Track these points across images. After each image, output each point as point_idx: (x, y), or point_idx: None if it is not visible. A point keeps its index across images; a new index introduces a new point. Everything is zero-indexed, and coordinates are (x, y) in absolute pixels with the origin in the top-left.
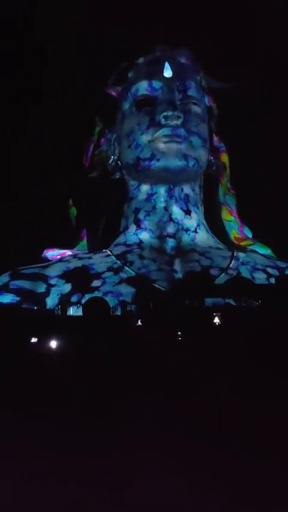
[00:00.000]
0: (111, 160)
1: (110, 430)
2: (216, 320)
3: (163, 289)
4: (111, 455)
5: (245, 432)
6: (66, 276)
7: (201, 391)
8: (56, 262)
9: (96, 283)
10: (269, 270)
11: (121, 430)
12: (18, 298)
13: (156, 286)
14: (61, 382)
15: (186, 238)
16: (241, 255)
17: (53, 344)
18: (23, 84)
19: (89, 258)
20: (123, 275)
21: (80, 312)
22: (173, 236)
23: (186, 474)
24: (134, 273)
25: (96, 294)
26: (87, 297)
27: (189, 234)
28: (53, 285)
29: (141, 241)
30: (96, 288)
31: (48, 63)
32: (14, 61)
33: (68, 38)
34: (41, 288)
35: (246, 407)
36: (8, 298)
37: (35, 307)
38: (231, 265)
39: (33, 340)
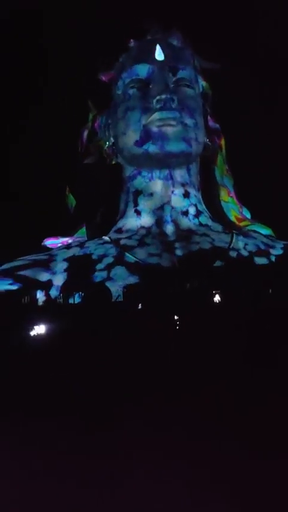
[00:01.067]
0: (106, 145)
1: (109, 430)
2: (217, 298)
3: (164, 272)
4: (110, 455)
5: (245, 432)
6: (68, 264)
7: (201, 387)
8: (57, 250)
9: (98, 271)
10: (271, 250)
11: (120, 430)
12: (18, 285)
13: (157, 270)
14: (60, 379)
15: (185, 221)
16: (241, 237)
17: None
18: (22, 79)
19: (89, 245)
20: (123, 261)
21: (82, 300)
22: (172, 220)
23: (186, 474)
24: (134, 259)
25: (97, 281)
26: (88, 285)
27: (188, 218)
28: (56, 273)
29: (140, 227)
30: (97, 276)
31: (46, 56)
32: (12, 59)
33: (66, 29)
34: (44, 276)
35: (246, 404)
36: (4, 284)
37: (37, 296)
38: (231, 246)
39: (33, 332)
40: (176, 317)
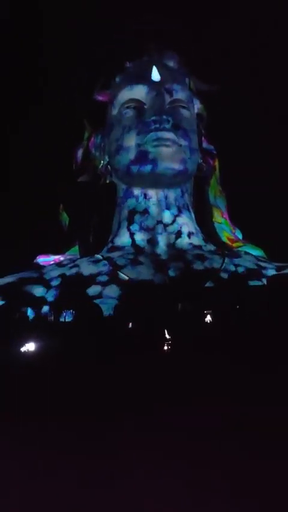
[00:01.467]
0: (101, 164)
1: (109, 431)
2: (208, 318)
3: (156, 291)
4: (110, 455)
5: (245, 432)
6: (60, 281)
7: (200, 392)
8: (49, 267)
9: (89, 288)
10: (263, 271)
11: (120, 431)
12: (6, 302)
13: (149, 289)
14: (58, 388)
15: (178, 241)
16: (233, 258)
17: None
18: (15, 96)
19: (81, 263)
20: (115, 280)
21: (73, 318)
22: (165, 240)
23: (186, 474)
24: (126, 278)
25: (89, 299)
26: (80, 302)
27: (181, 238)
28: (47, 291)
29: (132, 246)
30: (89, 293)
31: (46, 64)
32: (12, 60)
33: (66, 37)
34: (35, 293)
35: (245, 406)
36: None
37: (28, 313)
38: (223, 267)
39: (23, 348)
40: (167, 335)
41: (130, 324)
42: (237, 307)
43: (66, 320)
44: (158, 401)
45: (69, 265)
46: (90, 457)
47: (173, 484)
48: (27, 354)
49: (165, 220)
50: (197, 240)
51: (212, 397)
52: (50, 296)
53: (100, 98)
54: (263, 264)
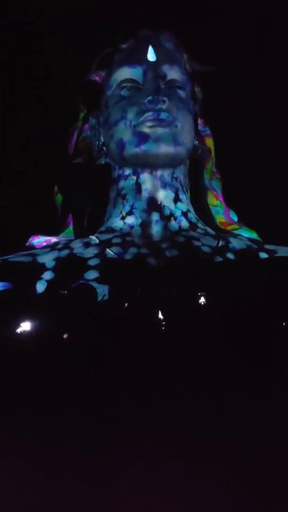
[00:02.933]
0: (95, 146)
1: (108, 431)
2: (202, 300)
3: (151, 273)
4: (110, 455)
5: (245, 432)
6: (57, 263)
7: (199, 387)
8: (46, 249)
9: (84, 271)
10: (258, 253)
11: (120, 429)
12: (9, 286)
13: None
14: (59, 380)
15: (172, 223)
16: (228, 239)
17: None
18: (7, 76)
19: (75, 244)
20: (109, 261)
21: (68, 299)
22: (159, 221)
23: (187, 474)
24: (120, 259)
25: (83, 281)
26: (74, 284)
27: (175, 219)
28: (41, 273)
29: (127, 227)
30: (83, 275)
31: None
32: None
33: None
34: (27, 275)
35: (245, 403)
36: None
37: (23, 294)
38: (218, 247)
39: (19, 329)
40: (163, 317)
41: (125, 308)
42: (232, 291)
43: (61, 301)
44: (157, 391)
45: (62, 247)
46: (89, 457)
47: (173, 483)
48: (21, 336)
49: (159, 201)
50: (192, 222)
51: (212, 390)
52: (44, 277)
53: (95, 79)
54: (254, 246)
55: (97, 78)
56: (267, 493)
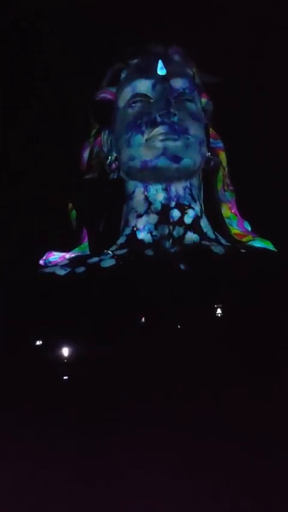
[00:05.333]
0: (108, 161)
1: (108, 431)
2: (219, 311)
3: (166, 286)
4: (110, 455)
5: (246, 432)
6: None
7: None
8: (57, 268)
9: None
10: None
11: (120, 428)
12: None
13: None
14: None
15: (187, 236)
16: (242, 250)
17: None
18: (20, 91)
19: (92, 260)
20: (124, 275)
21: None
22: (173, 235)
23: (187, 474)
24: (134, 273)
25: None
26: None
27: (190, 232)
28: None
29: (141, 242)
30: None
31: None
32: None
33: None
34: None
35: (246, 403)
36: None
37: None
38: (232, 259)
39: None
40: (177, 323)
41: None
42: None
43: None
44: (157, 392)
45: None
46: (89, 457)
47: (173, 482)
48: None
49: (173, 214)
50: (206, 234)
51: (212, 390)
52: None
53: (106, 95)
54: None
55: (108, 95)
56: (267, 493)
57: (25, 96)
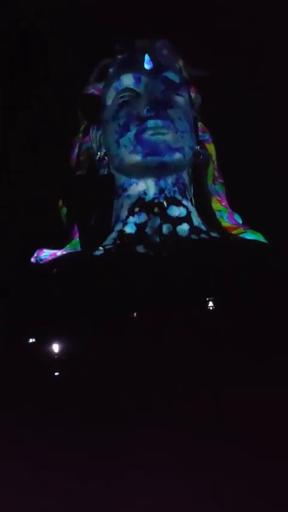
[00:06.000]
0: (97, 156)
1: (109, 431)
2: (211, 304)
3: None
4: (110, 455)
5: (246, 432)
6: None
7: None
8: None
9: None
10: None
11: (121, 428)
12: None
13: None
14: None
15: (177, 229)
16: (233, 242)
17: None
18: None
19: (84, 256)
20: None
21: None
22: (164, 228)
23: (187, 475)
24: (126, 268)
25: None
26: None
27: (181, 226)
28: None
29: (132, 236)
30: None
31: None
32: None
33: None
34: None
35: (247, 403)
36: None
37: None
38: (224, 250)
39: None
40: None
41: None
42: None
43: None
44: (157, 391)
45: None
46: (90, 457)
47: (173, 482)
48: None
49: (164, 208)
50: (197, 227)
51: (213, 389)
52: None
53: (93, 91)
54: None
55: (95, 91)
56: (268, 493)
57: (25, 96)
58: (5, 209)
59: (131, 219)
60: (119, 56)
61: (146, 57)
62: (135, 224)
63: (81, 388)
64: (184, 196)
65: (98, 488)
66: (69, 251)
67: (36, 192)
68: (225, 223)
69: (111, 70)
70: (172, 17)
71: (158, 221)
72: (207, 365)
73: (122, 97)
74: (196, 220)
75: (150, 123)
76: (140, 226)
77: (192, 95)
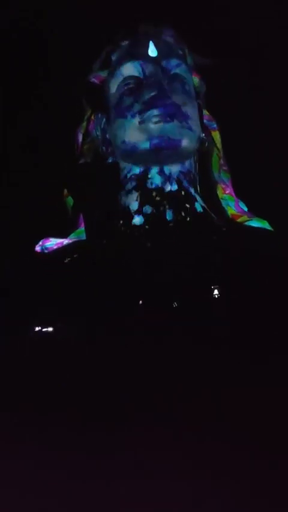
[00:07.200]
0: (102, 145)
1: (109, 431)
2: (216, 293)
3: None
4: (110, 455)
5: (247, 432)
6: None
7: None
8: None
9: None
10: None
11: (121, 428)
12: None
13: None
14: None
15: (183, 217)
16: (240, 230)
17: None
18: (12, 78)
19: (90, 244)
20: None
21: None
22: (169, 216)
23: (188, 475)
24: (132, 258)
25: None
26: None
27: (186, 213)
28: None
29: (137, 224)
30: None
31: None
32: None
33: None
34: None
35: (248, 403)
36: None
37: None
38: (228, 238)
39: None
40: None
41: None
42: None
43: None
44: (157, 391)
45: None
46: (90, 457)
47: (173, 482)
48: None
49: (170, 196)
50: (202, 215)
51: (213, 389)
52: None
53: (97, 79)
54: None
55: (99, 79)
56: (268, 493)
57: (25, 96)
58: (7, 198)
59: (136, 207)
60: (123, 43)
61: (151, 44)
62: (140, 212)
63: (81, 388)
64: (189, 183)
65: (97, 488)
66: (75, 239)
67: (38, 187)
68: (232, 210)
69: (114, 57)
70: (172, 17)
71: (163, 208)
72: (209, 363)
73: (126, 84)
74: (201, 208)
75: (154, 111)
76: (144, 214)
77: (197, 82)
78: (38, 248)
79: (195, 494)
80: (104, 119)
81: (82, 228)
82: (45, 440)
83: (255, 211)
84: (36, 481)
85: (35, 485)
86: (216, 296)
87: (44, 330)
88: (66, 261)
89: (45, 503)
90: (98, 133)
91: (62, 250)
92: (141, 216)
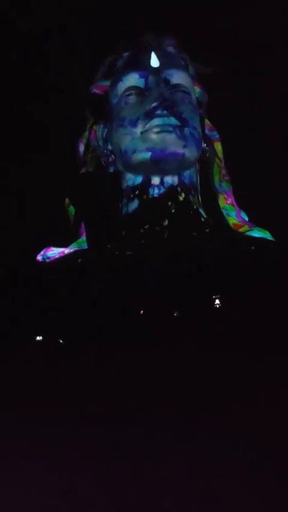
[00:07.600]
0: (104, 154)
1: (109, 431)
2: (217, 302)
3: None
4: (111, 455)
5: (248, 432)
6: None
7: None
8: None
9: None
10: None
11: (121, 427)
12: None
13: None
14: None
15: (184, 227)
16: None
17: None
18: (14, 85)
19: (91, 253)
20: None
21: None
22: (170, 226)
23: (188, 475)
24: (132, 266)
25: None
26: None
27: (187, 222)
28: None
29: (138, 233)
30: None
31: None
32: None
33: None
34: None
35: (249, 403)
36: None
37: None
38: (228, 247)
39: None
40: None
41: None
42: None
43: None
44: (158, 392)
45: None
46: (90, 457)
47: (174, 482)
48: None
49: (171, 205)
50: (203, 223)
51: (213, 389)
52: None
53: (99, 90)
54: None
55: (101, 89)
56: (268, 493)
57: (27, 105)
58: (10, 207)
59: (137, 216)
60: (125, 54)
61: (153, 54)
62: (141, 222)
63: (81, 387)
64: (190, 193)
65: (97, 488)
66: (76, 249)
67: (40, 196)
68: (233, 220)
69: (116, 68)
70: (173, 27)
71: (164, 218)
72: (210, 365)
73: (128, 95)
74: (203, 217)
75: (156, 121)
76: (146, 224)
77: (199, 92)
78: (39, 257)
79: (195, 494)
80: (106, 129)
81: (83, 237)
82: (46, 440)
83: (256, 220)
84: (37, 480)
85: (35, 486)
86: (217, 305)
87: (45, 335)
88: (67, 270)
89: (44, 502)
90: (99, 143)
91: (63, 260)
92: (142, 225)
